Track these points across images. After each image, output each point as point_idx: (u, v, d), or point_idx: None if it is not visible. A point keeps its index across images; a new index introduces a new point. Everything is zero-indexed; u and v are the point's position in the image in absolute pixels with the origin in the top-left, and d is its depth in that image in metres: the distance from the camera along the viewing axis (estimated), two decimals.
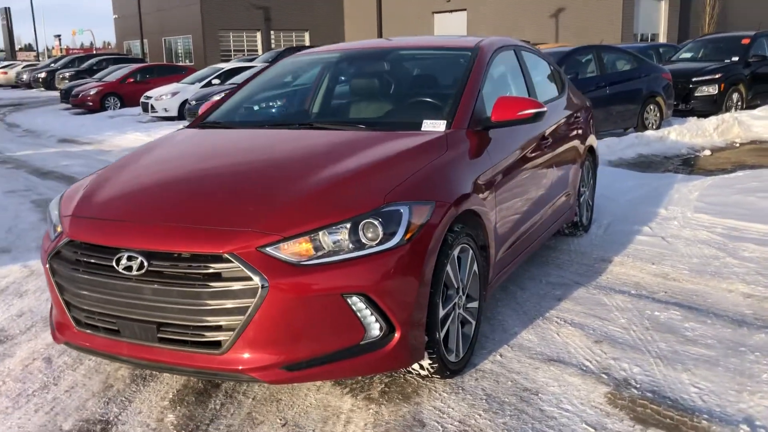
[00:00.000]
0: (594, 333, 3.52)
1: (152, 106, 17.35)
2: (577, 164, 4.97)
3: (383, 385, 2.98)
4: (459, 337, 3.04)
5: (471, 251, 3.09)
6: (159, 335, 2.55)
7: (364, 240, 2.54)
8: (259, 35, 44.46)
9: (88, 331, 2.74)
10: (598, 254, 4.92)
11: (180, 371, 2.58)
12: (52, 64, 33.84)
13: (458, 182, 3.00)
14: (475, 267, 3.16)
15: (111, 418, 2.76)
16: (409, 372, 3.01)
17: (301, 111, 3.90)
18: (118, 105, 20.86)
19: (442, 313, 2.84)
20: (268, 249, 2.45)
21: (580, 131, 5.07)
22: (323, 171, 2.80)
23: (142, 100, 17.95)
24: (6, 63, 40.60)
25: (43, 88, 31.41)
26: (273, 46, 43.70)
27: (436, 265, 2.75)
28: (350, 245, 2.52)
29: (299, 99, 4.16)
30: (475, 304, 3.20)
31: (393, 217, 2.59)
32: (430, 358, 2.81)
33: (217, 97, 7.66)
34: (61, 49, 76.35)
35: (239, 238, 2.46)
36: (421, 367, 2.86)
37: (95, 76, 24.33)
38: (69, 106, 21.35)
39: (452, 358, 2.97)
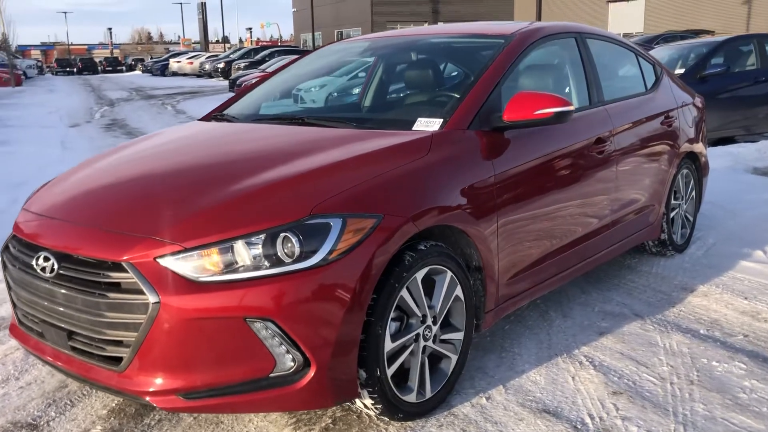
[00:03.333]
0: (618, 381, 2.90)
1: (301, 98, 17.89)
2: (664, 173, 4.22)
3: (331, 420, 2.62)
4: (426, 374, 2.60)
5: (450, 274, 2.63)
6: (70, 343, 2.38)
7: (282, 256, 2.19)
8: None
9: (24, 329, 2.64)
10: (681, 280, 4.15)
11: (90, 384, 2.40)
12: (231, 55, 36.14)
13: (430, 192, 2.55)
14: (459, 292, 2.69)
15: (41, 423, 2.65)
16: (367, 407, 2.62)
17: (302, 105, 3.60)
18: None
19: (391, 345, 2.42)
20: (165, 260, 2.18)
21: (672, 135, 4.31)
22: (267, 172, 2.48)
23: (293, 92, 18.54)
24: (192, 54, 44.00)
25: (221, 78, 33.61)
26: None
27: (383, 289, 2.34)
28: (265, 262, 2.18)
29: (311, 92, 3.85)
30: (458, 336, 2.73)
31: (317, 231, 2.22)
32: (371, 398, 2.40)
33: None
34: (251, 41, 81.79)
35: (139, 246, 2.21)
36: (365, 406, 2.46)
37: (260, 67, 25.55)
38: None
39: (411, 398, 2.53)
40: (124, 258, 2.20)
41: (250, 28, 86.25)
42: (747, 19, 30.22)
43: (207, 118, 3.62)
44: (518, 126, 2.93)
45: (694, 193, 4.75)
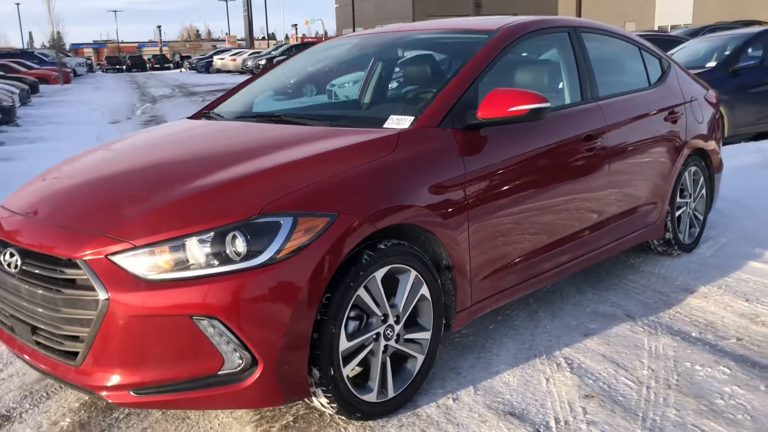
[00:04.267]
0: (592, 384, 2.83)
1: (335, 94, 17.94)
2: (667, 170, 4.10)
3: (293, 418, 2.62)
4: (388, 373, 2.58)
5: (414, 273, 2.60)
6: (34, 338, 2.44)
7: (231, 255, 2.20)
8: None
9: (0, 324, 2.71)
10: (683, 281, 4.03)
11: (54, 379, 2.45)
12: (273, 52, 36.52)
13: (392, 190, 2.52)
14: (425, 291, 2.67)
15: (14, 415, 2.72)
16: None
17: (282, 102, 3.59)
18: (314, 92, 21.86)
19: (347, 345, 2.40)
20: (117, 257, 2.21)
21: (677, 131, 4.18)
22: (226, 170, 2.49)
23: (327, 87, 18.61)
24: (236, 51, 44.59)
25: None
26: None
27: (338, 288, 2.33)
28: (214, 260, 2.19)
29: (294, 90, 3.84)
30: (425, 335, 2.71)
31: (266, 230, 2.22)
32: (325, 397, 2.40)
33: None
34: (296, 38, 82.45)
35: (92, 244, 2.25)
36: (322, 404, 2.46)
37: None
38: None
39: (371, 397, 2.52)
40: (78, 255, 2.24)
41: (296, 25, 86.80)
42: None
43: (197, 115, 3.66)
44: (493, 123, 2.88)
45: (704, 191, 4.60)
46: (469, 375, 2.94)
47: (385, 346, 2.56)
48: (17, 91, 20.21)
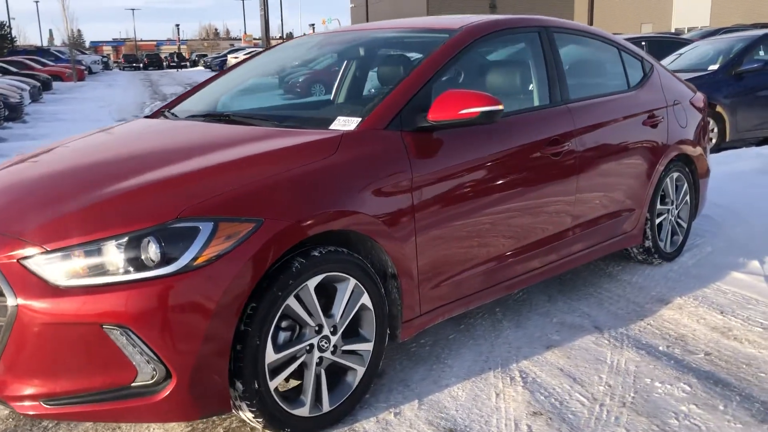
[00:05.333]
0: (543, 401, 2.70)
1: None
2: (645, 176, 3.96)
3: (224, 431, 2.52)
4: (323, 387, 2.47)
5: (354, 281, 2.49)
6: None
7: (146, 261, 2.10)
8: None
9: None
10: (660, 291, 3.88)
11: None
12: None
13: (328, 195, 2.41)
14: (367, 301, 2.55)
15: None
16: None
17: (223, 103, 3.49)
18: (323, 91, 21.81)
19: (274, 357, 2.30)
20: (28, 262, 2.12)
21: (657, 135, 4.03)
22: (152, 173, 2.38)
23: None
24: (250, 50, 44.62)
25: None
26: None
27: (264, 297, 2.22)
28: (128, 267, 2.10)
29: (252, 89, 3.73)
30: (366, 346, 2.59)
31: (182, 236, 2.11)
32: (250, 411, 2.29)
33: None
34: None
35: (5, 247, 2.16)
36: (248, 419, 2.35)
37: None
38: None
39: (303, 411, 2.41)
40: None
41: (313, 24, 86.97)
42: None
43: (156, 113, 3.57)
44: (445, 126, 2.76)
45: (688, 197, 4.44)
46: (417, 388, 2.82)
47: (320, 358, 2.45)
48: (27, 88, 20.36)
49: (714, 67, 8.46)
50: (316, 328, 2.41)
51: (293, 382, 2.59)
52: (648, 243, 4.17)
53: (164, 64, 63.99)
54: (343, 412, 2.54)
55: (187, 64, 67.07)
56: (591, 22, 21.64)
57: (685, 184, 4.40)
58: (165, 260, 2.09)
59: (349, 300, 2.50)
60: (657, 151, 4.04)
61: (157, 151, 2.73)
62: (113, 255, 2.09)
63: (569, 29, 3.78)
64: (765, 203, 5.60)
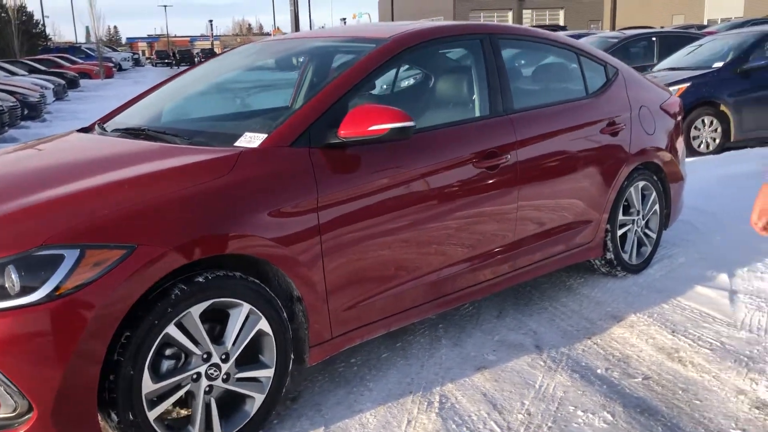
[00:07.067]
0: (455, 430, 2.59)
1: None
2: (603, 187, 3.80)
3: None
4: (213, 416, 2.39)
5: (248, 307, 2.40)
6: None
7: (9, 290, 2.04)
8: (510, 14, 43.48)
9: None
10: (616, 307, 3.73)
11: None
12: None
13: (217, 217, 2.32)
14: (265, 326, 2.47)
15: None
16: None
17: (154, 116, 3.41)
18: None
19: (153, 387, 2.22)
20: None
21: (618, 143, 3.86)
22: (34, 195, 2.32)
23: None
24: None
25: None
26: (525, 25, 42.41)
27: (140, 326, 2.15)
28: None
29: (182, 100, 3.64)
30: (266, 373, 2.51)
31: (45, 264, 2.05)
32: None
33: None
34: None
35: None
36: None
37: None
38: None
39: None
40: None
41: (344, 19, 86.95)
42: None
43: (91, 126, 3.52)
44: (356, 143, 2.66)
45: (657, 207, 4.25)
46: (328, 413, 2.73)
47: (209, 387, 2.37)
48: (51, 86, 20.69)
49: (719, 64, 8.16)
50: (204, 356, 2.34)
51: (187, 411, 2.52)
52: (609, 255, 4.01)
53: (196, 59, 64.53)
54: None
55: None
56: (614, 16, 21.18)
57: (654, 193, 4.21)
58: (26, 289, 2.03)
59: (243, 326, 2.42)
60: (618, 159, 3.87)
61: (56, 171, 2.67)
62: None
63: (519, 35, 3.63)
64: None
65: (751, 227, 2.23)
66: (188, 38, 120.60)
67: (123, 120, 3.39)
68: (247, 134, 2.67)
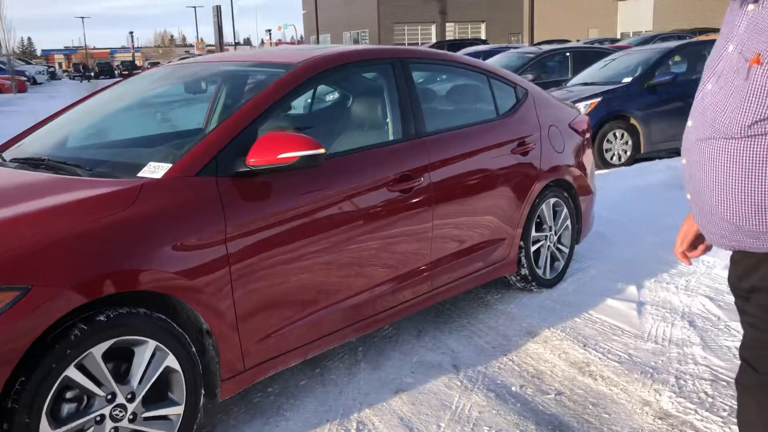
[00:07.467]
0: None
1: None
2: (515, 204, 3.89)
3: None
4: None
5: (154, 343, 2.34)
6: None
7: None
8: (433, 28, 44.19)
9: None
10: (530, 323, 3.81)
11: None
12: None
13: (119, 253, 2.25)
14: (173, 363, 2.40)
15: None
16: None
17: (58, 143, 3.30)
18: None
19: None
20: None
21: (529, 162, 3.96)
22: None
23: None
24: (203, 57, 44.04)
25: None
26: (448, 38, 43.17)
27: (35, 370, 2.06)
28: None
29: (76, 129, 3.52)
30: (175, 410, 2.44)
31: None
32: None
33: None
34: (271, 43, 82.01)
35: None
36: None
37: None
38: None
39: None
40: None
41: (269, 30, 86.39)
42: None
43: None
44: (264, 171, 2.63)
45: (569, 222, 4.39)
46: None
47: (114, 428, 2.29)
48: None
49: (628, 79, 8.51)
50: (108, 397, 2.25)
51: None
52: (524, 271, 4.11)
53: (116, 72, 62.71)
54: None
55: (140, 72, 65.81)
56: (532, 30, 21.82)
57: (565, 209, 4.34)
58: None
59: (149, 364, 2.35)
60: (529, 178, 3.97)
61: None
62: None
63: (429, 59, 3.69)
64: (663, 219, 5.59)
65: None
66: (108, 50, 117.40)
67: (24, 148, 3.26)
68: (151, 164, 2.60)
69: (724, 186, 1.47)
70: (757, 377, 1.59)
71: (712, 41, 9.55)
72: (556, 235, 4.33)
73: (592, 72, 9.62)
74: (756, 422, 1.62)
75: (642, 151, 8.31)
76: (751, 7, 1.39)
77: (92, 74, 61.33)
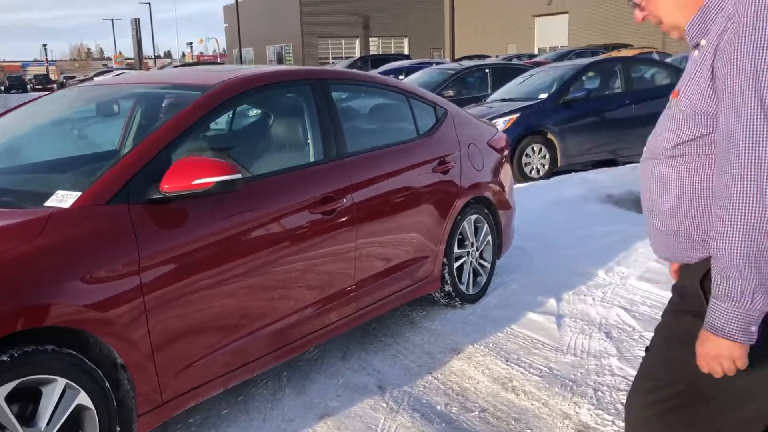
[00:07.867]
0: None
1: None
2: (437, 222, 3.93)
3: None
4: None
5: (64, 382, 2.24)
6: None
7: None
8: (357, 42, 44.46)
9: None
10: (454, 339, 3.85)
11: None
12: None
13: (21, 289, 2.14)
14: (85, 400, 2.30)
15: None
16: None
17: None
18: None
19: None
20: None
21: (449, 180, 4.01)
22: None
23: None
24: (120, 71, 42.87)
25: None
26: (372, 53, 43.52)
27: None
28: None
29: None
30: None
31: None
32: None
33: None
34: (192, 56, 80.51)
35: None
36: None
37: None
38: None
39: None
40: None
41: (191, 43, 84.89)
42: (663, 35, 31.00)
43: None
44: (179, 198, 2.56)
45: (489, 238, 4.46)
46: None
47: None
48: None
49: (544, 95, 8.77)
50: None
51: None
52: (448, 287, 4.15)
53: (29, 86, 60.20)
54: None
55: (54, 86, 63.48)
56: (453, 46, 22.25)
57: (486, 225, 4.42)
58: None
59: (58, 403, 2.24)
60: (450, 196, 4.02)
61: None
62: None
63: (349, 80, 3.70)
64: (578, 232, 5.76)
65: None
66: (20, 63, 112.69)
67: None
68: (59, 192, 2.49)
69: (657, 200, 1.67)
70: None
71: (623, 58, 9.99)
72: (478, 250, 4.40)
73: (510, 88, 9.87)
74: None
75: (559, 165, 8.57)
76: (695, 52, 1.61)
77: (2, 88, 58.74)
